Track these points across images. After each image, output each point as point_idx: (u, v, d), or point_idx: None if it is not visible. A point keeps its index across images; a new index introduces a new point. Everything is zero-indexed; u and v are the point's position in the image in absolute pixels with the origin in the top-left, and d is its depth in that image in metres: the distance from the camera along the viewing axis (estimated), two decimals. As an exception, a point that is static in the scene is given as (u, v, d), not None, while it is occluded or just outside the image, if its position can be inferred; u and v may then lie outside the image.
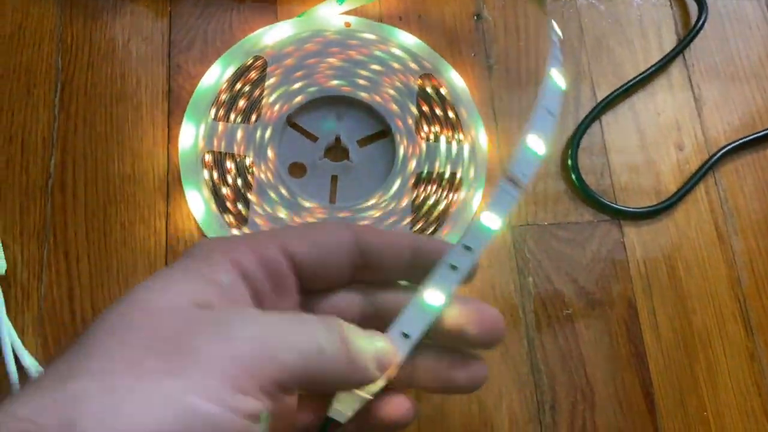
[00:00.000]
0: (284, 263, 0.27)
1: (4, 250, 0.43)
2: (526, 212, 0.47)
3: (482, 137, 0.47)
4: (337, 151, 0.47)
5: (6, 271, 0.42)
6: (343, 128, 0.47)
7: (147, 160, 0.46)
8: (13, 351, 0.39)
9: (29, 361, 0.39)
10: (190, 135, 0.45)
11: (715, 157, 0.49)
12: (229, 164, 0.45)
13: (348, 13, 0.50)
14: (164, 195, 0.45)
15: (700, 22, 0.52)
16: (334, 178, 0.46)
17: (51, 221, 0.44)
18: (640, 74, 0.51)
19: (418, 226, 0.45)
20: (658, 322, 0.45)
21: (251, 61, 0.47)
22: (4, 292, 0.42)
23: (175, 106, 0.47)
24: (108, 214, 0.44)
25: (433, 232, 0.45)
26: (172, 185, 0.45)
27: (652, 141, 0.50)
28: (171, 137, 0.46)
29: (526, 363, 0.44)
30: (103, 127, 0.46)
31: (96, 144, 0.46)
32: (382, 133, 0.47)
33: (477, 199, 0.46)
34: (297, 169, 0.46)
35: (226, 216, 0.44)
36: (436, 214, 0.45)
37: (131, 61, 0.48)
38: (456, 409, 0.42)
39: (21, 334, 0.41)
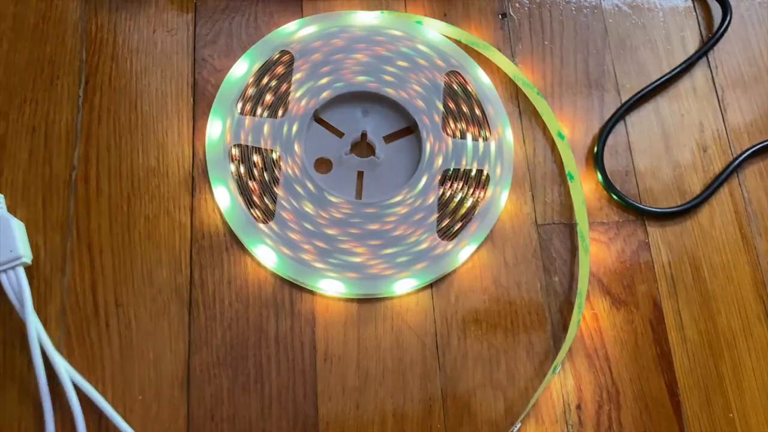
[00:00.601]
0: None
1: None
2: (552, 211, 0.47)
3: (508, 134, 0.47)
4: (362, 146, 0.47)
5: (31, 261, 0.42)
6: (369, 124, 0.47)
7: (172, 153, 0.45)
8: (41, 347, 0.39)
9: (57, 358, 0.39)
10: (217, 128, 0.45)
11: (739, 159, 0.49)
12: (256, 158, 0.44)
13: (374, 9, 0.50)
14: (189, 188, 0.45)
15: (725, 25, 0.52)
16: (360, 174, 0.46)
17: (74, 214, 0.44)
18: (664, 75, 0.51)
19: (445, 223, 0.44)
20: (684, 323, 0.45)
21: (278, 56, 0.47)
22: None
23: (200, 100, 0.47)
24: (132, 206, 0.44)
25: (459, 230, 0.44)
26: (197, 179, 0.45)
27: (676, 142, 0.50)
28: (196, 130, 0.46)
29: (552, 361, 0.43)
30: (127, 120, 0.46)
31: (120, 136, 0.46)
32: (408, 129, 0.47)
33: (504, 196, 0.46)
34: (323, 165, 0.46)
35: (252, 210, 0.43)
36: (462, 211, 0.45)
37: (156, 54, 0.48)
38: (482, 407, 0.42)
39: (44, 326, 0.40)
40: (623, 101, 0.50)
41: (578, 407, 0.43)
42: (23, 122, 0.45)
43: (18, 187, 0.44)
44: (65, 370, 0.38)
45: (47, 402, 0.38)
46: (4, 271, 0.39)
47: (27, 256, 0.40)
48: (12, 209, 0.43)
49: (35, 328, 0.38)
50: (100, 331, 0.41)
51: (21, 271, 0.39)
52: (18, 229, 0.40)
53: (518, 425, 0.41)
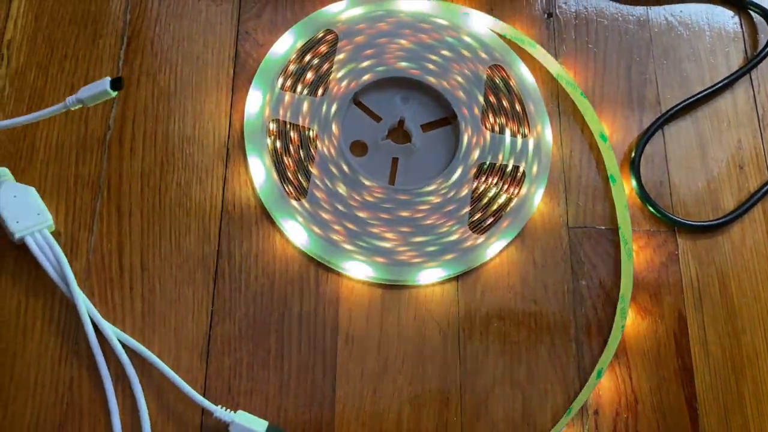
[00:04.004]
0: None
1: (56, 200, 0.42)
2: (584, 214, 0.46)
3: (548, 133, 0.47)
4: (399, 133, 0.47)
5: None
6: (408, 111, 0.47)
7: (208, 122, 0.45)
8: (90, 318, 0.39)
9: (107, 325, 0.39)
10: (256, 102, 0.45)
11: (775, 180, 0.49)
12: (293, 135, 0.44)
13: (421, -3, 0.49)
14: (223, 159, 0.44)
15: (771, 44, 0.52)
16: (395, 160, 0.46)
17: (106, 174, 0.43)
18: (706, 89, 0.50)
19: (477, 216, 0.44)
20: (707, 338, 0.45)
21: (322, 35, 0.47)
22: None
23: (240, 72, 0.47)
24: (165, 172, 0.44)
25: (491, 225, 0.44)
26: (232, 150, 0.45)
27: (713, 157, 0.49)
28: (234, 102, 0.46)
29: (573, 365, 0.43)
30: (166, 85, 0.46)
31: (158, 101, 0.45)
32: (446, 119, 0.47)
33: (539, 195, 0.45)
34: (359, 147, 0.46)
35: (286, 186, 0.43)
36: (495, 206, 0.44)
37: (200, 22, 0.48)
38: (500, 405, 0.41)
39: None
40: (663, 111, 0.50)
41: (596, 413, 0.42)
42: (62, 78, 0.45)
43: (52, 142, 0.43)
44: (113, 334, 0.38)
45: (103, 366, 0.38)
46: (32, 234, 0.39)
47: (51, 220, 0.40)
48: (45, 163, 0.43)
49: (82, 299, 0.38)
50: (123, 294, 0.41)
51: (48, 234, 0.39)
52: (37, 195, 0.40)
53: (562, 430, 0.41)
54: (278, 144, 0.44)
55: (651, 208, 0.46)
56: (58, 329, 0.39)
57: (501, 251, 0.44)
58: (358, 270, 0.42)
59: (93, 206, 0.43)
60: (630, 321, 0.44)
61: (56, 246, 0.39)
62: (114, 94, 0.39)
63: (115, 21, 0.47)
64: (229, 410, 0.38)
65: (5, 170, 0.40)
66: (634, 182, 0.47)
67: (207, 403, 0.38)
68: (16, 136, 0.43)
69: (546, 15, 0.51)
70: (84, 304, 0.38)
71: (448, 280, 0.43)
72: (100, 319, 0.38)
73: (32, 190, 0.40)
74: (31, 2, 0.46)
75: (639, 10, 0.53)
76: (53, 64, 0.45)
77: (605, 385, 0.43)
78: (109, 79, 0.39)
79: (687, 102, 0.50)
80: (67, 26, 0.46)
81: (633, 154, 0.48)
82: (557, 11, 0.52)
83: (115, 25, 0.47)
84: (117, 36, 0.46)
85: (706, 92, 0.50)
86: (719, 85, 0.51)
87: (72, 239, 0.42)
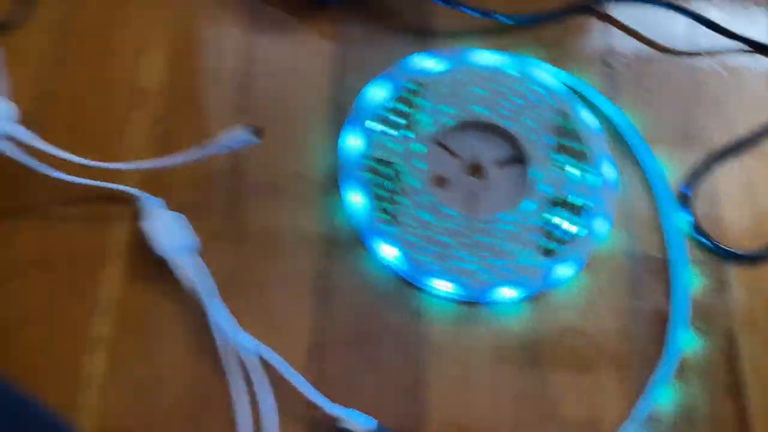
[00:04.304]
0: None
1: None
2: (643, 244, 0.52)
3: (610, 172, 0.52)
4: (477, 170, 0.53)
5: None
6: (485, 151, 0.53)
7: (311, 159, 0.52)
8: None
9: (246, 340, 0.45)
10: (352, 142, 0.52)
11: (820, 215, 0.53)
12: (385, 170, 0.51)
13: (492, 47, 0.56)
14: (325, 191, 0.51)
15: (813, 92, 0.57)
16: (473, 194, 0.52)
17: (226, 203, 0.51)
18: (753, 133, 0.56)
19: (548, 245, 0.50)
20: (759, 360, 0.49)
21: (409, 83, 0.54)
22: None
23: (338, 115, 0.54)
24: (275, 202, 0.51)
25: (561, 253, 0.50)
26: (333, 184, 0.52)
27: (760, 192, 0.54)
28: (333, 142, 0.53)
29: (636, 379, 0.48)
30: (274, 129, 0.53)
31: (269, 142, 0.52)
32: (518, 158, 0.53)
33: (602, 227, 0.51)
34: (441, 181, 0.52)
35: (378, 214, 0.49)
36: (564, 236, 0.50)
37: (300, 73, 0.55)
38: (568, 411, 0.47)
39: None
40: (713, 152, 0.55)
41: (654, 419, 0.47)
42: (190, 122, 0.53)
43: (179, 176, 0.51)
44: (246, 341, 0.45)
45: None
46: (175, 254, 0.46)
47: (197, 244, 0.47)
48: (172, 193, 0.50)
49: (217, 312, 0.45)
50: (240, 307, 0.47)
51: (191, 255, 0.46)
52: (186, 222, 0.47)
53: None
54: (371, 178, 0.50)
55: (704, 240, 0.52)
56: (190, 332, 0.46)
57: (569, 277, 0.50)
58: (442, 289, 0.48)
59: (215, 231, 0.50)
60: (685, 342, 0.49)
61: (197, 268, 0.46)
62: (258, 141, 0.46)
63: (232, 76, 0.55)
64: (341, 407, 0.44)
65: (160, 201, 0.48)
66: (688, 216, 0.52)
67: (323, 399, 0.44)
68: (150, 172, 0.51)
69: (606, 66, 0.57)
70: (218, 317, 0.45)
71: (522, 300, 0.49)
72: (231, 326, 0.45)
73: (183, 217, 0.47)
74: (164, 56, 0.54)
75: (688, 60, 0.59)
76: (181, 110, 0.53)
77: (662, 396, 0.47)
78: (247, 128, 0.46)
79: (735, 144, 0.55)
80: (192, 78, 0.54)
81: (687, 191, 0.53)
82: (614, 62, 0.58)
83: (231, 78, 0.55)
84: (233, 88, 0.54)
85: (752, 136, 0.56)
86: (765, 127, 0.56)
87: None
